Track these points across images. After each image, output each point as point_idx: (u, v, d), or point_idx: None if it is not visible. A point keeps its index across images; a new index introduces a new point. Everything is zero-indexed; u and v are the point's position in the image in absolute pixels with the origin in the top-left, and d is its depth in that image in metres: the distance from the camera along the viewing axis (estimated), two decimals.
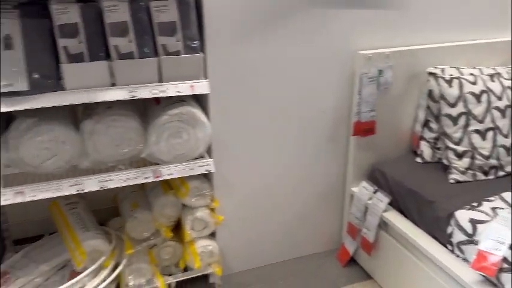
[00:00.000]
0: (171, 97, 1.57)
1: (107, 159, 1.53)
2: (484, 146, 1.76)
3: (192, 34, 1.46)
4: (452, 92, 1.76)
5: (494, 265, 1.32)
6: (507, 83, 1.83)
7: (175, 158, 1.58)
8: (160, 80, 1.46)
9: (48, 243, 1.82)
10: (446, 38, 1.94)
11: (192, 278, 1.83)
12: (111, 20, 1.34)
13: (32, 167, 1.44)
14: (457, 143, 1.76)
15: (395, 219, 1.76)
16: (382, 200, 1.80)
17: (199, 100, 1.70)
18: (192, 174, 1.60)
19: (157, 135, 1.52)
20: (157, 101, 1.62)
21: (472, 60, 1.96)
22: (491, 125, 1.77)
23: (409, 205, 1.74)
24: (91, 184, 1.48)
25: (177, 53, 1.45)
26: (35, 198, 1.42)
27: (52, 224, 1.89)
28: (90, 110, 1.54)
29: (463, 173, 1.75)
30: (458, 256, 1.51)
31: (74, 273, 1.63)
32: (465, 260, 1.48)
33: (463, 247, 1.49)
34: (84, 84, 1.36)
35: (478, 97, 1.77)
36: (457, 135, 1.76)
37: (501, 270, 1.32)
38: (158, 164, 1.59)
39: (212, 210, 1.80)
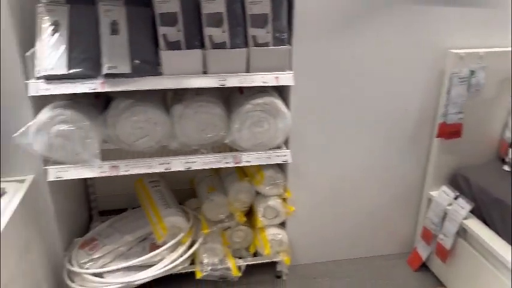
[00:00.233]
0: (253, 87, 1.62)
1: (192, 143, 1.62)
2: None
3: (282, 26, 1.49)
4: None
5: None
6: None
7: (254, 146, 1.63)
8: (247, 70, 1.51)
9: (131, 216, 1.97)
10: None
11: (261, 263, 1.88)
12: (207, 11, 1.42)
13: (126, 144, 1.57)
14: None
15: (477, 227, 1.67)
16: (463, 206, 1.71)
17: (280, 91, 1.73)
18: (269, 163, 1.65)
19: (240, 123, 1.58)
20: (241, 90, 1.68)
21: None
22: None
23: (493, 214, 1.64)
24: (177, 164, 1.57)
25: (266, 44, 1.49)
26: (128, 173, 1.54)
27: (135, 199, 2.05)
28: (179, 95, 1.64)
29: None
30: None
31: (154, 246, 1.76)
32: None
33: None
34: (179, 71, 1.45)
35: None
36: None
37: None
38: (238, 151, 1.65)
39: (284, 200, 1.84)
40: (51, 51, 1.38)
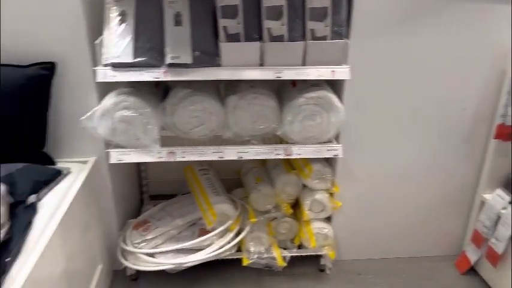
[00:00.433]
0: (306, 81, 1.63)
1: (244, 133, 1.66)
2: None
3: (341, 20, 1.49)
4: None
5: None
6: None
7: (305, 139, 1.65)
8: (303, 63, 1.52)
9: (182, 201, 2.05)
10: None
11: (304, 256, 1.90)
12: (268, 4, 1.44)
13: (182, 132, 1.63)
14: None
15: None
16: None
17: (332, 85, 1.73)
18: (319, 156, 1.66)
19: (293, 116, 1.59)
20: (293, 83, 1.70)
21: None
22: None
23: None
24: (230, 153, 1.62)
25: (324, 38, 1.49)
26: (184, 160, 1.60)
27: (184, 185, 2.12)
28: (233, 86, 1.68)
29: None
30: None
31: (203, 231, 1.82)
32: None
33: None
34: (237, 62, 1.49)
35: None
36: None
37: None
38: (287, 143, 1.67)
39: (331, 194, 1.85)
40: (118, 40, 1.45)
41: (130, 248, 1.74)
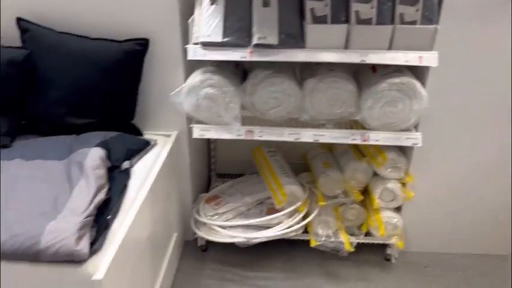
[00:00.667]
0: (387, 66, 1.60)
1: (319, 117, 1.67)
2: None
3: (432, 5, 1.45)
4: None
5: None
6: None
7: (383, 125, 1.63)
8: (389, 48, 1.50)
9: (250, 180, 2.11)
10: None
11: (370, 243, 1.90)
12: None
13: (259, 112, 1.67)
14: None
15: None
16: None
17: (413, 72, 1.69)
18: (398, 144, 1.63)
19: (373, 101, 1.58)
20: (374, 68, 1.68)
21: None
22: None
23: None
24: (306, 135, 1.64)
25: (414, 22, 1.46)
26: (261, 139, 1.65)
27: (250, 166, 2.18)
28: (311, 70, 1.69)
29: None
30: None
31: (271, 210, 1.87)
32: None
33: None
34: (322, 45, 1.49)
35: None
36: None
37: None
38: (363, 129, 1.66)
39: (404, 184, 1.82)
40: (208, 20, 1.51)
41: (204, 220, 1.82)
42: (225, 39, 1.49)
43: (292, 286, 1.79)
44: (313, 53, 1.49)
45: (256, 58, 1.50)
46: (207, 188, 2.22)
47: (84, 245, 1.05)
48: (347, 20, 1.48)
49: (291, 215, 1.82)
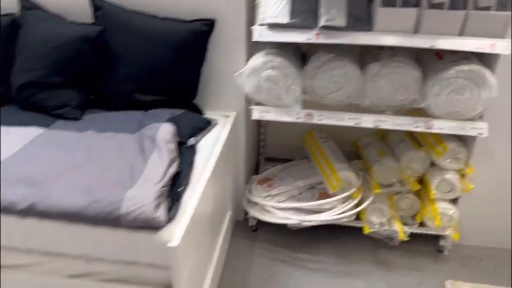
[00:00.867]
0: (454, 53, 1.56)
1: (380, 103, 1.65)
2: None
3: None
4: None
5: None
6: None
7: (447, 114, 1.59)
8: (460, 34, 1.46)
9: (301, 165, 2.12)
10: None
11: (422, 234, 1.87)
12: None
13: (318, 97, 1.67)
14: None
15: None
16: None
17: (480, 59, 1.63)
18: (462, 133, 1.59)
19: (440, 89, 1.54)
20: (439, 55, 1.64)
21: None
22: None
23: None
24: (367, 121, 1.63)
25: (488, 8, 1.41)
26: (320, 122, 1.64)
27: (299, 151, 2.19)
28: (373, 54, 1.66)
29: None
30: None
31: (323, 195, 1.88)
32: None
33: None
34: (390, 28, 1.47)
35: None
36: None
37: None
38: (423, 116, 1.62)
39: (463, 176, 1.77)
40: (276, 1, 1.51)
41: (259, 200, 1.85)
42: (291, 21, 1.49)
43: (343, 271, 1.79)
44: (381, 37, 1.47)
45: (322, 40, 1.49)
46: (255, 171, 2.24)
47: (161, 213, 1.09)
48: (417, 4, 1.45)
49: (344, 200, 1.82)
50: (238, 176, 1.96)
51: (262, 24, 1.53)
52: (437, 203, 1.82)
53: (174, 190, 1.22)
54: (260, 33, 1.53)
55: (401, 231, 1.79)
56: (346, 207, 1.79)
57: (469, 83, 1.52)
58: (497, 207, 1.85)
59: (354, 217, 1.84)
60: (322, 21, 1.47)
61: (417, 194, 1.89)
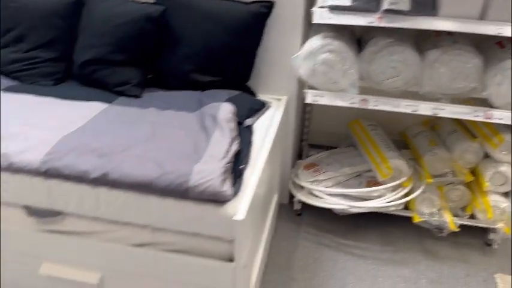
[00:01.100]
0: None
1: (437, 90, 1.62)
2: None
3: None
4: None
5: None
6: None
7: (507, 104, 1.55)
8: None
9: (347, 152, 2.10)
10: None
11: (470, 226, 1.84)
12: None
13: (374, 82, 1.66)
14: None
15: None
16: None
17: None
18: None
19: (503, 78, 1.50)
20: (501, 44, 1.59)
21: None
22: None
23: None
24: (425, 108, 1.60)
25: None
26: (376, 108, 1.63)
27: (344, 138, 2.19)
28: (432, 41, 1.63)
29: None
30: None
31: (371, 183, 1.87)
32: None
33: None
34: (455, 14, 1.44)
35: None
36: None
37: None
38: (481, 106, 1.59)
39: None
40: None
41: (307, 184, 1.86)
42: (353, 3, 1.48)
43: (389, 259, 1.79)
44: (445, 22, 1.44)
45: (384, 24, 1.48)
46: (300, 156, 2.25)
47: (227, 187, 1.12)
48: None
49: (394, 189, 1.81)
50: (285, 160, 1.97)
51: (322, 7, 1.53)
52: (489, 195, 1.78)
53: (235, 167, 1.24)
54: (321, 16, 1.52)
55: (451, 221, 1.76)
56: (397, 196, 1.78)
57: None
58: None
59: (402, 206, 1.83)
60: (385, 5, 1.45)
61: (467, 185, 1.85)
